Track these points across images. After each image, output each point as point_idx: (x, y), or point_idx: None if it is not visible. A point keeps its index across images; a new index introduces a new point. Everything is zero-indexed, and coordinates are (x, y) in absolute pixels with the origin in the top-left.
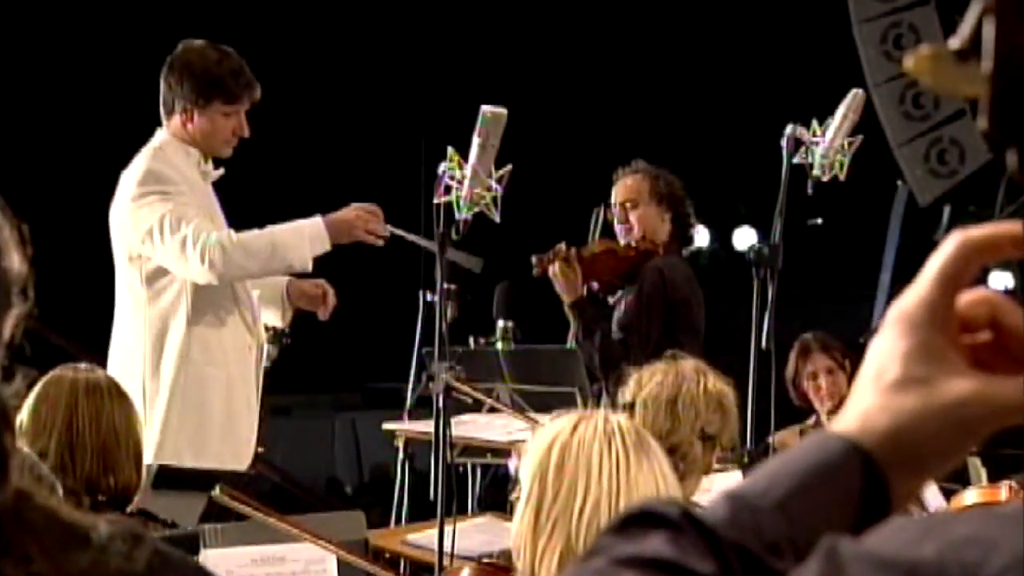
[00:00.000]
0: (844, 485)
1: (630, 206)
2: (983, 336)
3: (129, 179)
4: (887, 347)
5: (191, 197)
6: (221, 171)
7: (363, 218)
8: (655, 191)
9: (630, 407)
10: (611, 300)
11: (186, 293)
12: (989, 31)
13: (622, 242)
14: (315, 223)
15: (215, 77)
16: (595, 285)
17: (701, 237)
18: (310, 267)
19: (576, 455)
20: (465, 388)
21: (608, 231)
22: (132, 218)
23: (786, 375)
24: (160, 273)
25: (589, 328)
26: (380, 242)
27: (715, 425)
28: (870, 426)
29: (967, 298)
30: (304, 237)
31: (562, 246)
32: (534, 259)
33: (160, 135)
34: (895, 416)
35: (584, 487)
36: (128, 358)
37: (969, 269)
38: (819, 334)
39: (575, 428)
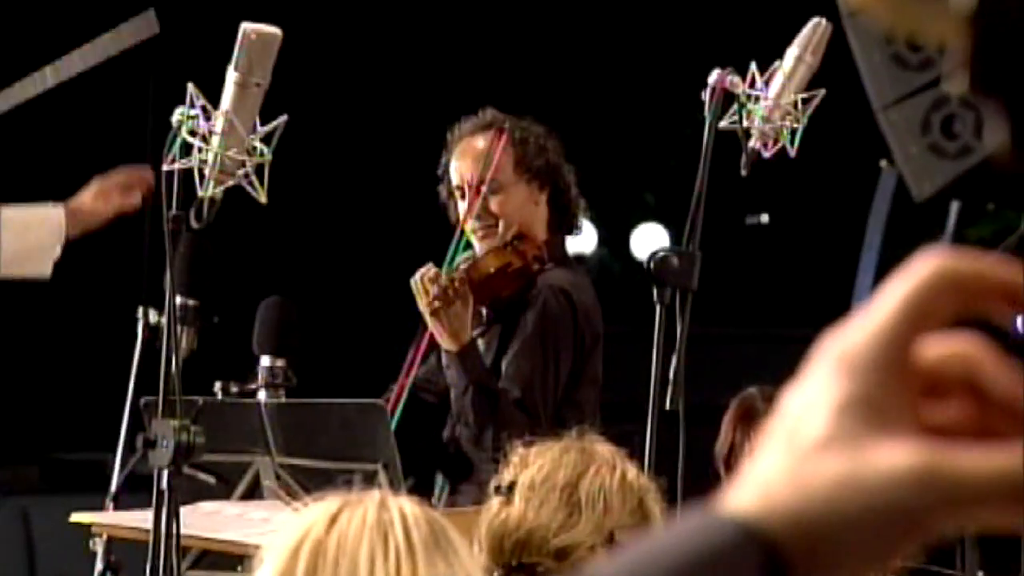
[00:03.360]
0: None
1: (487, 189)
2: (950, 408)
3: None
4: (812, 394)
5: None
6: None
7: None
8: (523, 161)
9: (507, 491)
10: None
11: None
12: None
13: (482, 245)
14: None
15: None
16: (485, 313)
17: (584, 237)
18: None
19: (334, 559)
20: (206, 460)
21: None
22: None
23: (716, 451)
24: None
25: (483, 387)
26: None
27: (631, 533)
28: (774, 503)
29: (937, 348)
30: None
31: (438, 273)
32: (421, 285)
33: None
34: (808, 490)
35: None
36: None
37: (943, 308)
38: (768, 389)
39: (334, 520)
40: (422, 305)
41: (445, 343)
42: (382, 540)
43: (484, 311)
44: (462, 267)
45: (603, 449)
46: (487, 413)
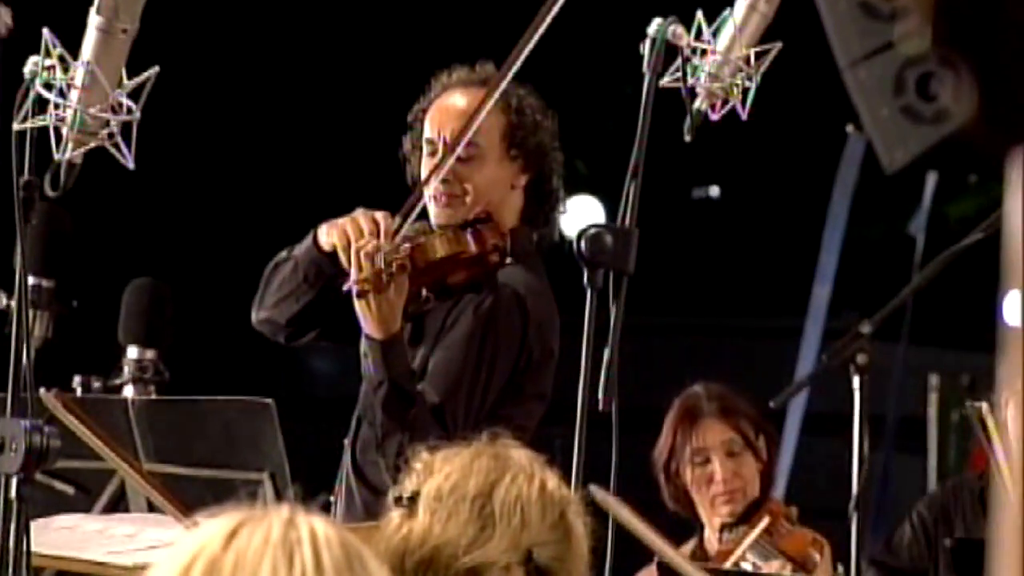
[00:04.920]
0: None
1: (465, 153)
2: None
3: None
4: None
5: None
6: None
7: None
8: (513, 134)
9: (409, 503)
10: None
11: None
12: None
13: (441, 214)
14: None
15: None
16: (423, 294)
17: None
18: None
19: None
20: (63, 466)
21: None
22: None
23: (654, 457)
24: None
25: (398, 388)
26: None
27: (551, 550)
28: None
29: None
30: None
31: (377, 248)
32: (356, 257)
33: None
34: None
35: None
36: None
37: None
38: (715, 387)
39: (232, 536)
40: (351, 279)
41: (368, 328)
42: (287, 560)
43: (424, 292)
44: (405, 246)
45: (519, 455)
46: (397, 416)
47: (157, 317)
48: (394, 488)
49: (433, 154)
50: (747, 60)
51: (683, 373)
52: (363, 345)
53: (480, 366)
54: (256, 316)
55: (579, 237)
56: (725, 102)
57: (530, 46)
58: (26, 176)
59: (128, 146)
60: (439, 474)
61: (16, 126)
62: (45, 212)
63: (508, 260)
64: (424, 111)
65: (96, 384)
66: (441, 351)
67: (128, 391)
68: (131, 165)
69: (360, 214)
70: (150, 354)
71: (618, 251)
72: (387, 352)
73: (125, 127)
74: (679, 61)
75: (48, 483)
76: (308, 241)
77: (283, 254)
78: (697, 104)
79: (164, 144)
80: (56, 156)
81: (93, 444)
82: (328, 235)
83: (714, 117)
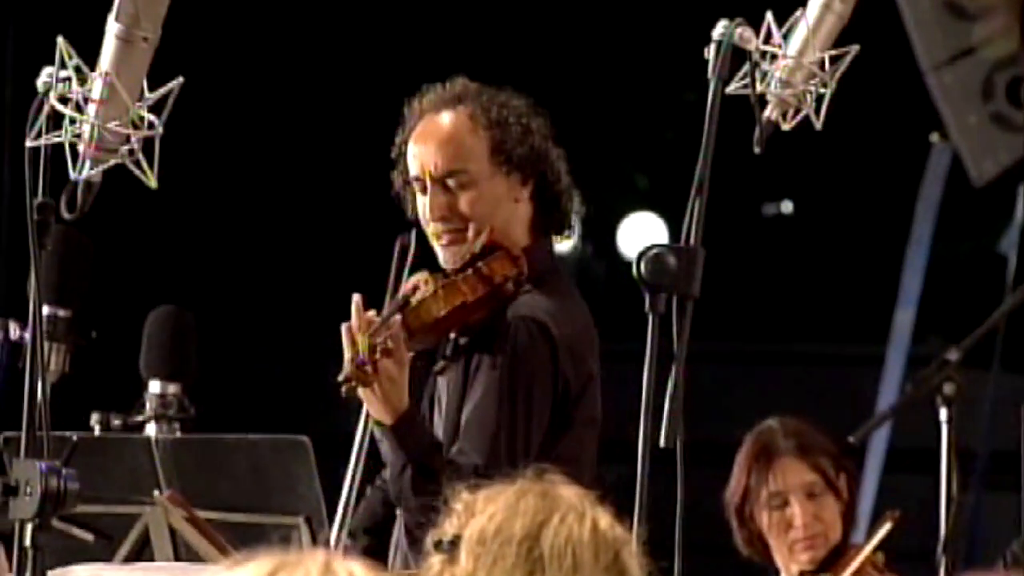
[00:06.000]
0: None
1: (455, 183)
2: None
3: None
4: None
5: None
6: None
7: None
8: (501, 147)
9: (450, 547)
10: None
11: None
12: None
13: (447, 253)
14: None
15: None
16: (452, 340)
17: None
18: None
19: None
20: (82, 511)
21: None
22: None
23: (726, 498)
24: None
25: (424, 468)
26: None
27: None
28: None
29: None
30: None
31: (370, 322)
32: (348, 337)
33: None
34: None
35: None
36: None
37: None
38: (791, 422)
39: None
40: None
41: (376, 415)
42: None
43: (452, 336)
44: (395, 318)
45: (568, 492)
46: (431, 495)
47: (181, 348)
48: (433, 531)
49: (424, 191)
50: (821, 64)
51: (754, 406)
52: (376, 433)
53: (515, 410)
54: None
55: (639, 258)
56: (798, 110)
57: None
58: (40, 197)
59: (150, 163)
60: (482, 515)
61: (30, 143)
62: (61, 236)
63: (526, 287)
64: (405, 143)
65: (116, 422)
66: (472, 405)
67: (151, 429)
68: (154, 184)
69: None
70: (174, 388)
71: (682, 273)
72: (401, 436)
73: (147, 143)
74: (747, 66)
75: (66, 530)
76: None
77: None
78: (767, 113)
79: (189, 161)
80: (72, 175)
81: (212, 555)
82: None
83: (786, 127)
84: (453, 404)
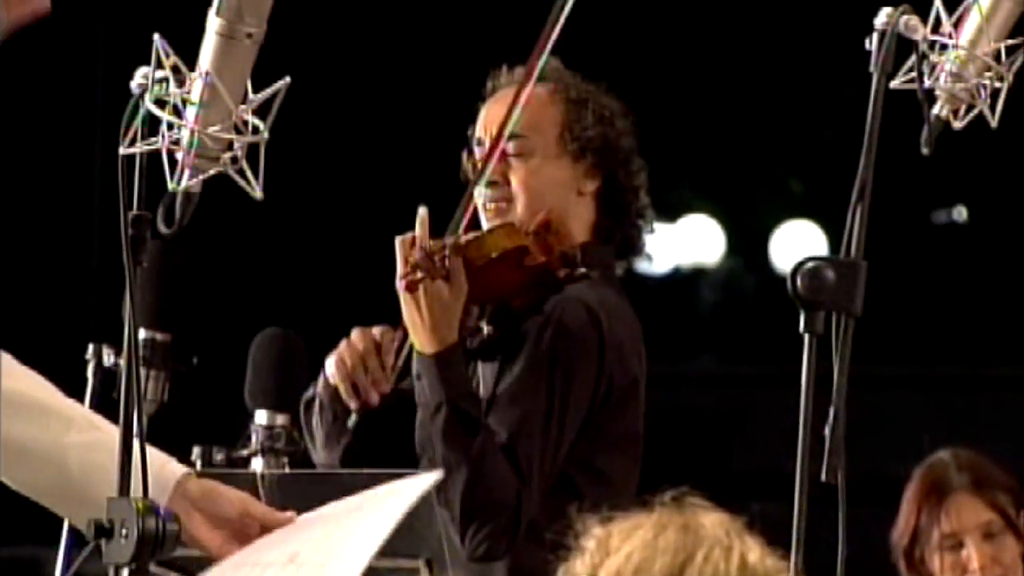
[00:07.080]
0: None
1: (514, 148)
2: None
3: None
4: None
5: None
6: None
7: None
8: (572, 126)
9: None
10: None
11: None
12: None
13: (490, 224)
14: None
15: None
16: (485, 328)
17: (710, 242)
18: None
19: None
20: (181, 555)
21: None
22: None
23: (893, 540)
24: None
25: (461, 411)
26: None
27: None
28: None
29: None
30: None
31: (451, 240)
32: (401, 250)
33: None
34: None
35: None
36: None
37: None
38: (965, 454)
39: None
40: (398, 276)
41: (420, 340)
42: None
43: (485, 325)
44: (448, 241)
45: (711, 523)
46: (461, 447)
47: (290, 375)
48: (562, 570)
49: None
50: (996, 56)
51: (924, 435)
52: (415, 366)
53: (553, 395)
54: (315, 459)
55: (795, 272)
56: (971, 107)
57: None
58: (135, 210)
59: (255, 172)
60: (618, 554)
61: (123, 151)
62: (158, 253)
63: (580, 271)
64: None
65: (219, 456)
66: (505, 384)
67: (257, 463)
68: (259, 195)
69: (355, 333)
70: (281, 419)
71: (842, 288)
72: (443, 368)
73: (251, 150)
74: (913, 58)
75: (163, 575)
76: (321, 377)
77: (309, 392)
78: (937, 109)
79: (297, 170)
80: (170, 185)
81: None
82: (329, 368)
83: (957, 125)
84: (490, 386)
